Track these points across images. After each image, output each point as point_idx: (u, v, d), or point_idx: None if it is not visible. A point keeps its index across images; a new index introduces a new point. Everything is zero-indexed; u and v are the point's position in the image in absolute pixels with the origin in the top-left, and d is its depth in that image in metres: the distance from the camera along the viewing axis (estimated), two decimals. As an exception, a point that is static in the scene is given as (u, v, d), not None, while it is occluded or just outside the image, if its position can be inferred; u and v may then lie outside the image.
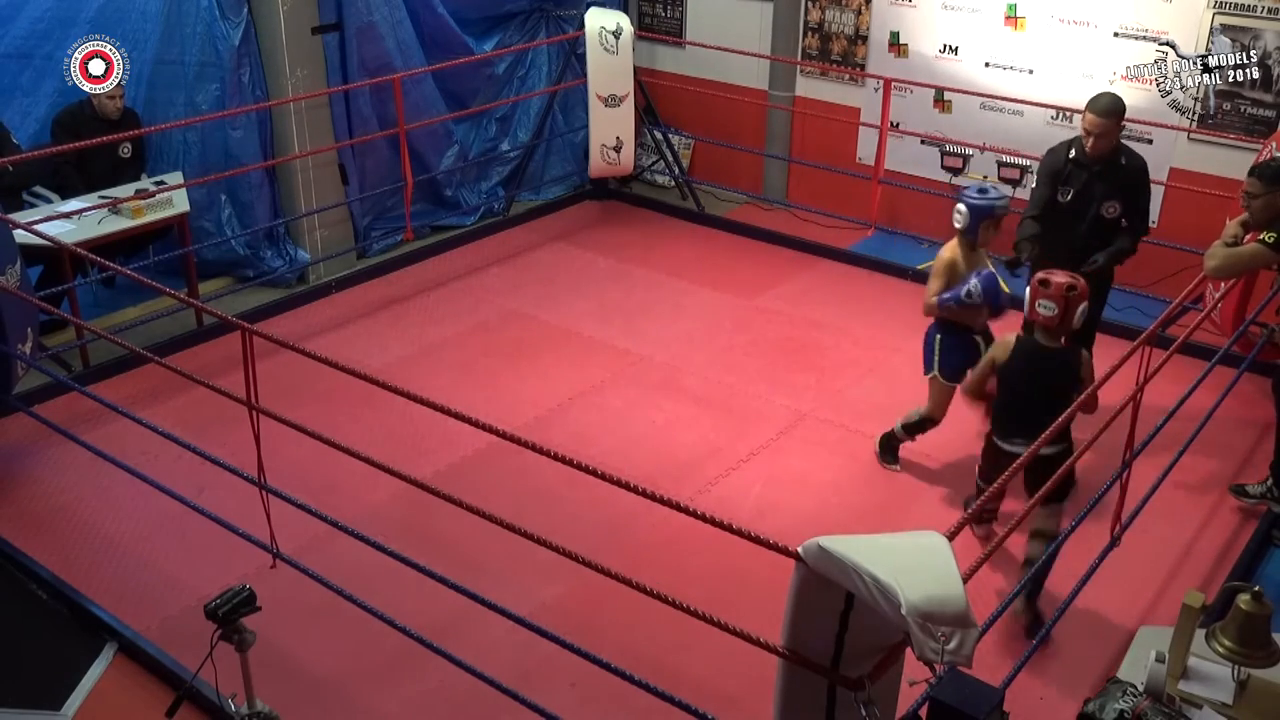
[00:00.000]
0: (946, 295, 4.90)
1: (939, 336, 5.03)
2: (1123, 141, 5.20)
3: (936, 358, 5.04)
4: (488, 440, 4.07)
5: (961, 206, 4.93)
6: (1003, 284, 4.89)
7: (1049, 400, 4.06)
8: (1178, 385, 4.68)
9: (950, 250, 5.00)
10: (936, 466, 5.45)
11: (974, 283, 4.80)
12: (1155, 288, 6.81)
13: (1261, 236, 4.53)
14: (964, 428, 5.74)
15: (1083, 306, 4.19)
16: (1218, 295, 5.55)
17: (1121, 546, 4.37)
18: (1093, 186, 5.16)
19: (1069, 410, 3.75)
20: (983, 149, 7.43)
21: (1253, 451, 5.52)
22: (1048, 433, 3.53)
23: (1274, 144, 5.98)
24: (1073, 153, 5.20)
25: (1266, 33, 6.48)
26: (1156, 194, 7.04)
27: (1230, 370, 5.26)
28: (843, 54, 8.20)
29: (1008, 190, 7.35)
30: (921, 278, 7.45)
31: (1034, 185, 5.45)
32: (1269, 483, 4.99)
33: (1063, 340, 4.27)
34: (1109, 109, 5.03)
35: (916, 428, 5.24)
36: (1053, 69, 7.28)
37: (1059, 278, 4.19)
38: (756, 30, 8.48)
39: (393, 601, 4.05)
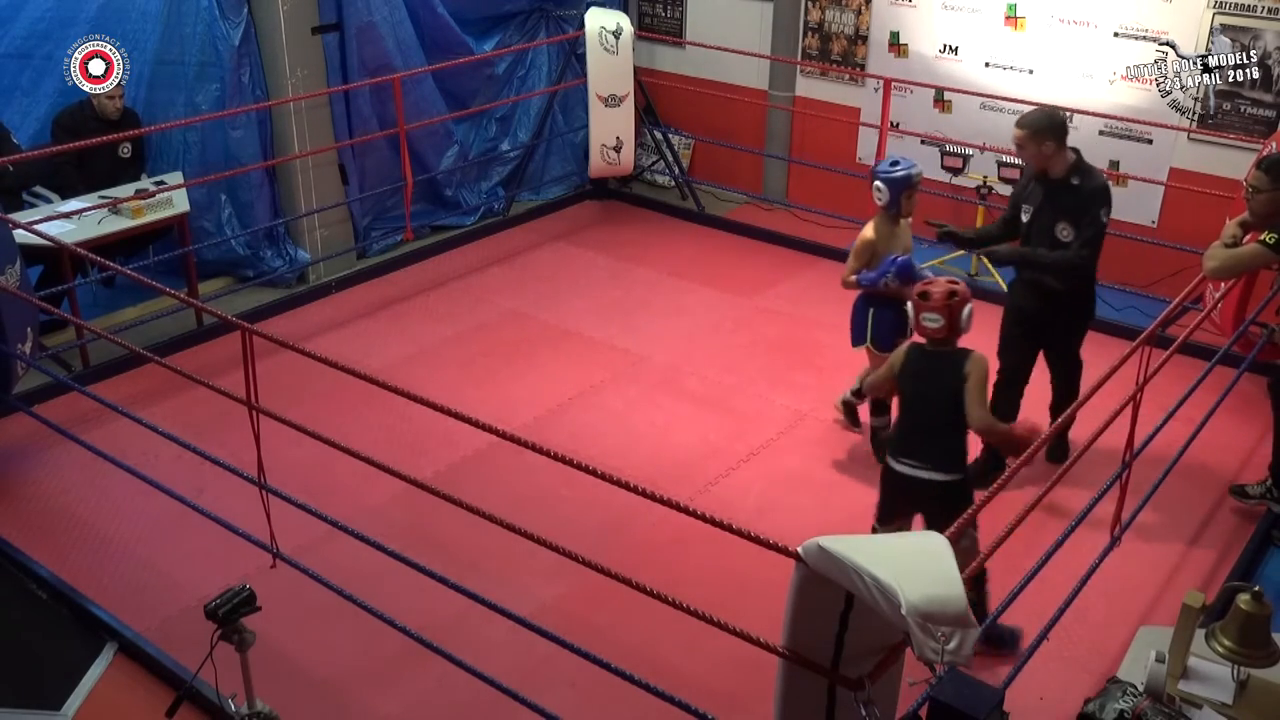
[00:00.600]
0: (868, 276, 5.07)
1: (871, 310, 5.19)
2: (1085, 163, 4.98)
3: (869, 330, 5.23)
4: (488, 440, 4.08)
5: (879, 183, 5.10)
6: (919, 268, 5.01)
7: (939, 406, 3.97)
8: (1178, 385, 4.68)
9: (870, 229, 5.19)
10: (936, 466, 5.44)
11: (890, 275, 4.97)
12: (1155, 288, 6.81)
13: (1262, 237, 4.47)
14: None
15: (968, 308, 4.05)
16: (1218, 295, 5.55)
17: (1121, 546, 4.37)
18: (1046, 206, 4.99)
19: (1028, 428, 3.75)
20: (983, 149, 7.43)
21: (1253, 452, 5.52)
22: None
23: (1274, 144, 5.98)
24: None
25: (1266, 33, 6.48)
26: (1156, 193, 7.08)
27: (1230, 370, 5.26)
28: (843, 54, 8.20)
29: (1007, 190, 7.35)
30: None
31: None
32: (1268, 483, 4.98)
33: (954, 345, 4.10)
34: (1024, 122, 4.88)
35: (851, 404, 5.54)
36: (1053, 69, 7.28)
37: (938, 287, 4.05)
38: (756, 30, 8.48)
39: (393, 601, 4.05)
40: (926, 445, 4.02)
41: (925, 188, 7.83)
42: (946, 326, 4.03)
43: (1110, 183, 5.12)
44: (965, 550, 3.90)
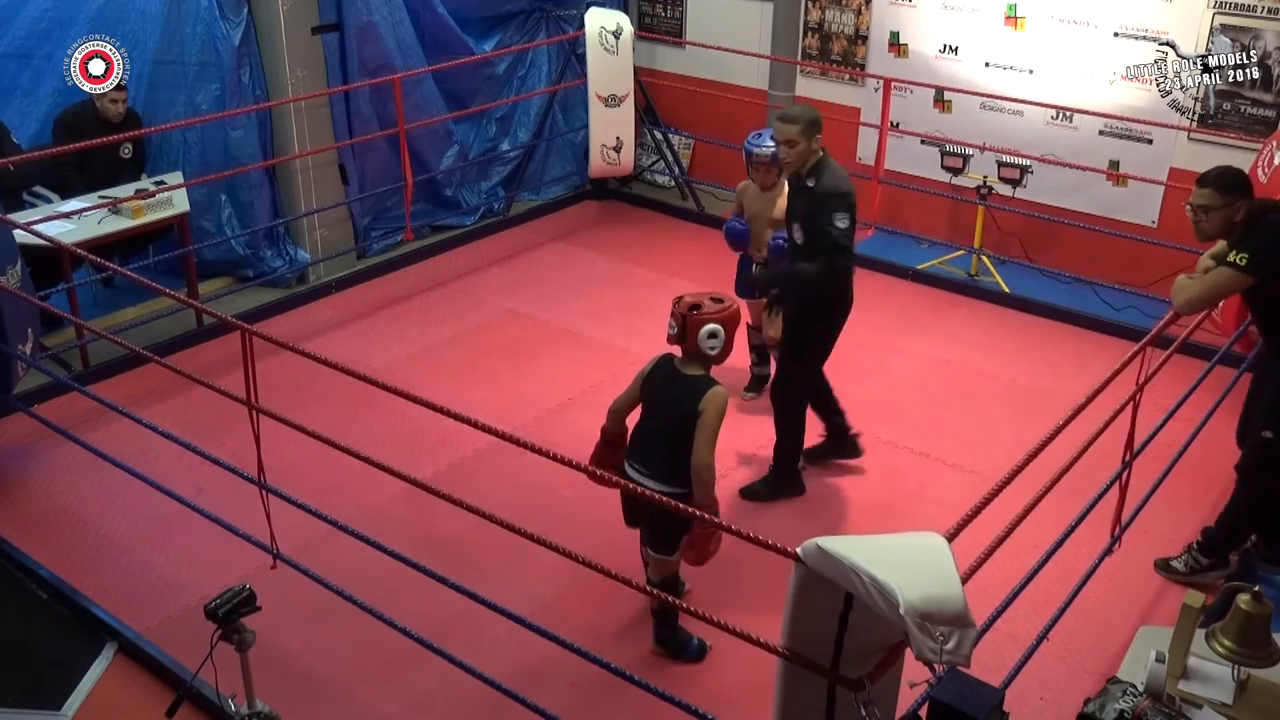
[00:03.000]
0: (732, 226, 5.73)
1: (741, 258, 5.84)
2: (828, 161, 4.71)
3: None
4: (488, 440, 4.07)
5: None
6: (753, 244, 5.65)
7: (668, 425, 3.84)
8: (1178, 385, 4.68)
9: (744, 182, 5.75)
10: (937, 467, 5.45)
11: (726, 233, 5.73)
12: (1155, 288, 6.81)
13: (1230, 258, 4.04)
14: (966, 428, 5.75)
15: (709, 328, 3.81)
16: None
17: (1121, 546, 4.37)
18: (792, 205, 4.89)
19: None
20: (983, 149, 7.43)
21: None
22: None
23: (1274, 143, 5.98)
24: None
25: (1266, 33, 6.48)
26: (1156, 193, 7.08)
27: (1230, 370, 5.26)
28: (843, 54, 8.20)
29: (1007, 190, 7.36)
30: (921, 277, 7.47)
31: None
32: (1195, 549, 4.64)
33: (702, 371, 3.92)
34: (786, 115, 4.67)
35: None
36: (1053, 69, 7.28)
37: (689, 299, 3.90)
38: (756, 30, 8.48)
39: (393, 601, 4.05)
40: (652, 454, 3.92)
41: (927, 187, 7.88)
42: (677, 336, 3.88)
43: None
44: (659, 564, 4.01)
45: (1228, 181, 4.14)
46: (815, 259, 4.72)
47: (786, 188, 5.05)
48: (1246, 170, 6.23)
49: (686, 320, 3.85)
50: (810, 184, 4.71)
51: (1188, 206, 4.23)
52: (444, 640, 3.87)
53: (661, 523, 3.91)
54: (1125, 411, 4.05)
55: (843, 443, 5.36)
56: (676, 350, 4.01)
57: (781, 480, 5.13)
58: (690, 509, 3.16)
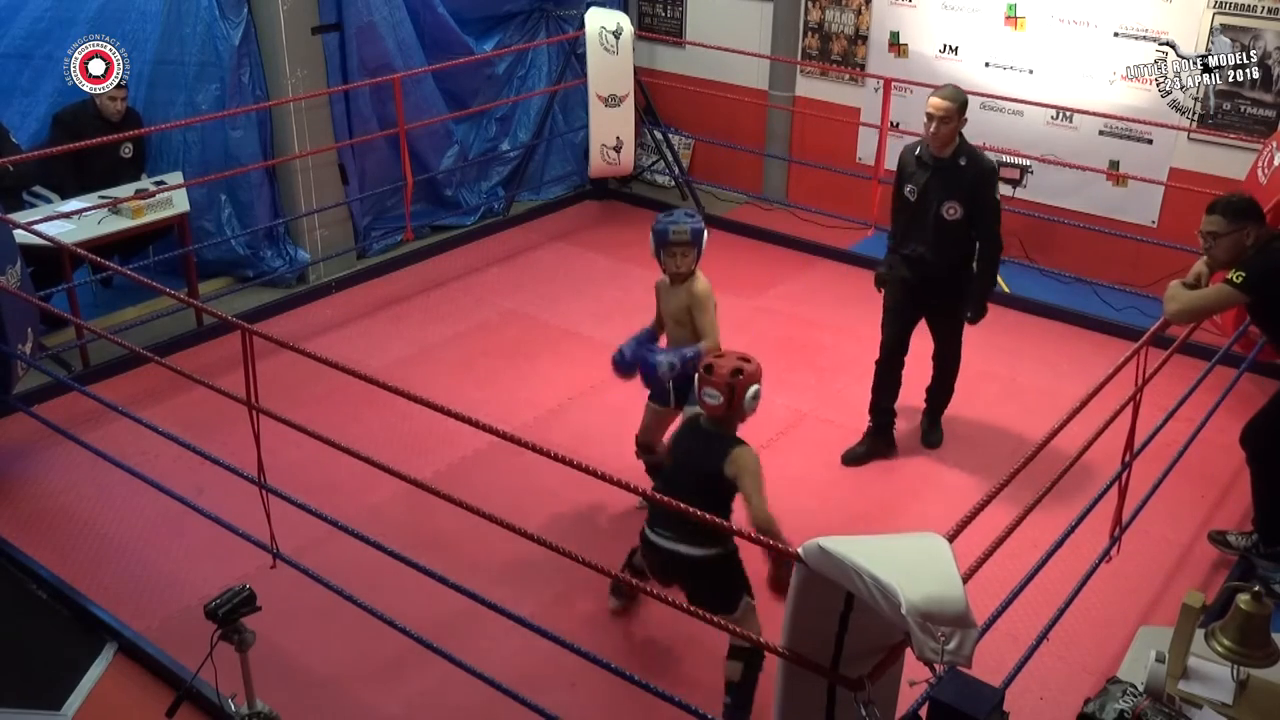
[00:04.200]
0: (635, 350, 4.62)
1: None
2: (964, 139, 5.05)
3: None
4: (488, 440, 4.08)
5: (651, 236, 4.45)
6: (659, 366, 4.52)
7: (693, 488, 3.64)
8: (1178, 385, 4.68)
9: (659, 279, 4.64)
10: (937, 467, 5.45)
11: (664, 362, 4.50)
12: (1155, 288, 6.81)
13: (1229, 276, 4.08)
14: (966, 428, 5.75)
15: (753, 389, 3.75)
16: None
17: (1121, 546, 4.37)
18: (941, 182, 5.03)
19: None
20: (983, 149, 7.42)
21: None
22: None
23: (1274, 144, 5.98)
24: (918, 150, 5.15)
25: (1266, 33, 6.48)
26: (1156, 193, 7.09)
27: (1230, 370, 5.26)
28: (843, 54, 8.20)
29: (1007, 190, 7.35)
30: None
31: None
32: (1254, 537, 4.70)
33: (731, 431, 3.81)
34: (945, 93, 5.00)
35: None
36: (1053, 69, 7.28)
37: (724, 363, 3.76)
38: (756, 30, 8.48)
39: (393, 601, 4.05)
40: (679, 518, 3.60)
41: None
42: (723, 405, 3.73)
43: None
44: (740, 619, 3.70)
45: (1234, 208, 4.15)
46: (979, 230, 5.04)
47: (701, 278, 4.51)
48: (1246, 170, 6.29)
49: (734, 388, 3.72)
50: (962, 162, 4.99)
51: (1199, 234, 4.26)
52: (444, 640, 3.87)
53: (704, 583, 3.74)
54: (1125, 412, 4.05)
55: (889, 438, 5.56)
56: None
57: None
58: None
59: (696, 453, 3.81)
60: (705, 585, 3.74)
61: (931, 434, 5.60)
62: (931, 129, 4.96)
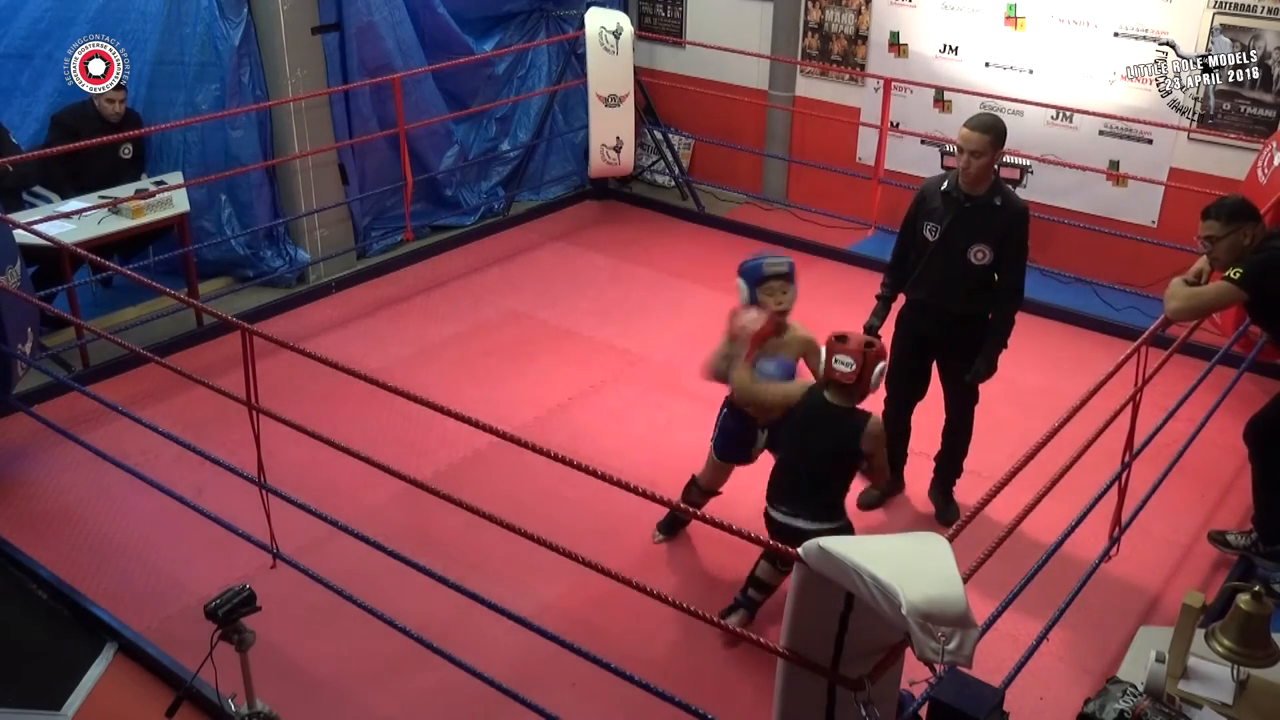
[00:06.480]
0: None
1: (724, 410, 4.49)
2: (1002, 180, 4.56)
3: (716, 430, 4.53)
4: (488, 440, 4.08)
5: (739, 280, 4.39)
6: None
7: (822, 466, 3.83)
8: (1178, 385, 4.68)
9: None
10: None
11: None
12: (1155, 288, 6.81)
13: (1228, 273, 4.10)
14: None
15: (881, 365, 3.86)
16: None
17: (1121, 546, 4.37)
18: (967, 225, 4.48)
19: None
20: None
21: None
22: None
23: (1274, 144, 5.98)
24: (945, 184, 4.56)
25: (1266, 33, 6.48)
26: (1156, 193, 7.09)
27: (1230, 370, 5.26)
28: (843, 54, 8.20)
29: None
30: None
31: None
32: (1254, 535, 4.72)
33: (856, 405, 3.91)
34: (978, 123, 4.38)
35: (688, 492, 4.68)
36: (1053, 69, 7.28)
37: (857, 335, 3.91)
38: (756, 30, 8.49)
39: (393, 601, 4.06)
40: (801, 495, 3.93)
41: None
42: (855, 373, 3.81)
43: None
44: (775, 574, 3.97)
45: (1228, 210, 4.14)
46: (1005, 277, 4.53)
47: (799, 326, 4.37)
48: (1246, 170, 6.29)
49: (867, 358, 3.84)
50: (998, 201, 4.45)
51: (1198, 239, 4.25)
52: (444, 640, 3.87)
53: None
54: (1125, 411, 4.05)
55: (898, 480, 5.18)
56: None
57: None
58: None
59: (829, 434, 3.92)
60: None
61: (947, 510, 4.99)
62: (963, 163, 4.37)
